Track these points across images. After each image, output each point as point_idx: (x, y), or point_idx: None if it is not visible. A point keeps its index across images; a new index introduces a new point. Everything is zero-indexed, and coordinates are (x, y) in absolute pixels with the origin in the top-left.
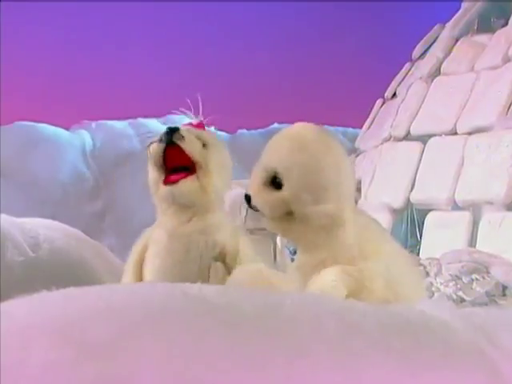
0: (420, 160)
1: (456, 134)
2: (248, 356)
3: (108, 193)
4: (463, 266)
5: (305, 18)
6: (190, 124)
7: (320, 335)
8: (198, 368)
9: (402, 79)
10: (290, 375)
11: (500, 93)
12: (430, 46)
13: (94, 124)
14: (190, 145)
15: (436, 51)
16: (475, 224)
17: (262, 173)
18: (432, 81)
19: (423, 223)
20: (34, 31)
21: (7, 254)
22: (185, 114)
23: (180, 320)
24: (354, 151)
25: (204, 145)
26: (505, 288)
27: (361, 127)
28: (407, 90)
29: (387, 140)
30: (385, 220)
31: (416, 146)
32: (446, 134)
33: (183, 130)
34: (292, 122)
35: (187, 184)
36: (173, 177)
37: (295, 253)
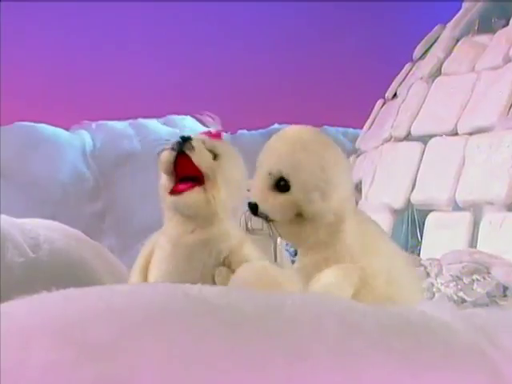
0: (421, 160)
1: (457, 134)
2: (248, 356)
3: (108, 193)
4: (464, 267)
5: (305, 19)
6: (209, 132)
7: (320, 336)
8: (198, 368)
9: (403, 79)
10: (291, 376)
11: (501, 93)
12: (431, 46)
13: (94, 124)
14: (199, 156)
15: (437, 51)
16: (476, 224)
17: (266, 178)
18: (433, 81)
19: (424, 224)
20: (34, 31)
21: (7, 255)
22: (203, 120)
23: (180, 320)
24: (354, 152)
25: (216, 156)
26: (505, 289)
27: (361, 128)
28: (408, 91)
29: (388, 140)
30: (385, 220)
31: (417, 146)
32: (447, 135)
33: (195, 140)
34: (292, 123)
35: (192, 196)
36: (180, 186)
37: (295, 254)
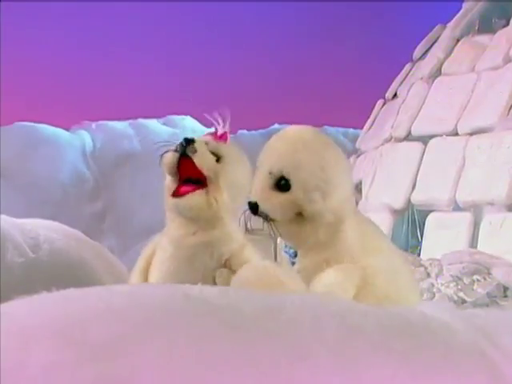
0: (421, 161)
1: (457, 134)
2: (248, 357)
3: (108, 193)
4: (464, 267)
5: (305, 19)
6: (215, 133)
7: (321, 337)
8: (198, 369)
9: (403, 80)
10: (291, 376)
11: (501, 93)
12: (431, 46)
13: (94, 124)
14: (201, 159)
15: (437, 52)
16: (476, 225)
17: (267, 177)
18: (433, 81)
19: (424, 224)
20: (34, 31)
21: (7, 255)
22: (208, 121)
23: (180, 321)
24: (354, 152)
25: (219, 159)
26: (506, 289)
27: (361, 128)
28: (408, 91)
29: (388, 141)
30: (386, 221)
31: (417, 146)
32: (447, 135)
33: (198, 143)
34: (293, 123)
35: (193, 198)
36: (183, 189)
37: (295, 256)
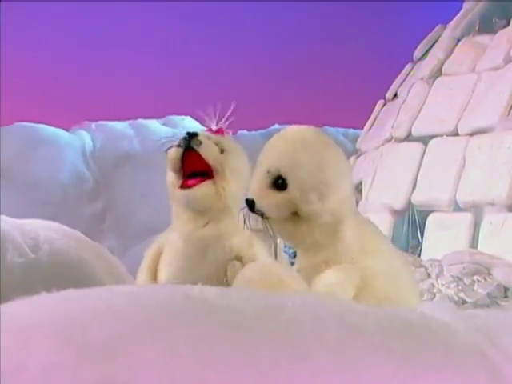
0: (421, 161)
1: (457, 135)
2: (249, 358)
3: (108, 194)
4: (465, 268)
5: (306, 19)
6: (210, 130)
7: (321, 337)
8: (198, 369)
9: (403, 80)
10: (291, 377)
11: (501, 94)
12: (432, 46)
13: (93, 125)
14: (207, 150)
15: (437, 52)
16: (477, 225)
17: (265, 175)
18: (433, 81)
19: (424, 224)
20: (34, 31)
21: (7, 256)
22: (203, 119)
23: (181, 321)
24: (355, 152)
25: (222, 151)
26: (506, 289)
27: (362, 128)
28: (408, 91)
29: (388, 141)
30: (386, 221)
31: (417, 146)
32: (448, 135)
33: (201, 136)
34: (293, 123)
35: (202, 189)
36: (190, 181)
37: (295, 256)
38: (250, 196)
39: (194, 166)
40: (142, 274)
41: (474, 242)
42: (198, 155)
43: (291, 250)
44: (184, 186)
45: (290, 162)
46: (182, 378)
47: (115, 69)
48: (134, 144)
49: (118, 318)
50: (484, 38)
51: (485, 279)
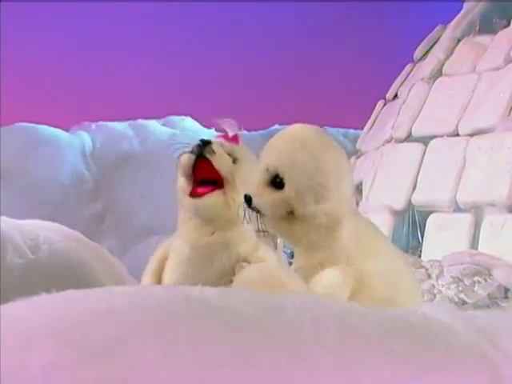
0: (421, 161)
1: (458, 135)
2: (249, 359)
3: (108, 194)
4: (465, 269)
5: (306, 20)
6: (226, 136)
7: (321, 338)
8: (198, 370)
9: (404, 80)
10: (291, 378)
11: (502, 94)
12: (432, 46)
13: (93, 125)
14: (219, 160)
15: (437, 52)
16: (477, 226)
17: (263, 173)
18: (433, 82)
19: (425, 225)
20: (34, 31)
21: (7, 257)
22: (219, 125)
23: (180, 322)
24: (355, 153)
25: (234, 160)
26: (507, 290)
27: (362, 128)
28: (409, 91)
29: (388, 141)
30: (386, 221)
31: (417, 147)
32: (448, 136)
33: (215, 144)
34: (293, 123)
35: (212, 199)
36: (200, 189)
37: (293, 256)
38: (248, 192)
39: (205, 174)
40: (147, 278)
41: (474, 243)
42: (210, 163)
43: (289, 250)
44: (194, 195)
45: (288, 162)
46: (182, 379)
47: (115, 69)
48: (133, 144)
49: (117, 319)
50: (484, 39)
51: (485, 280)
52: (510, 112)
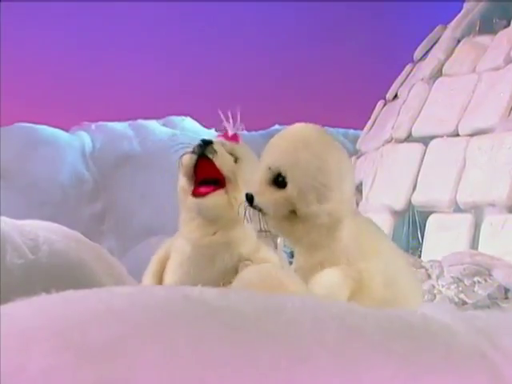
0: (421, 162)
1: (458, 135)
2: (248, 359)
3: (108, 195)
4: (465, 269)
5: (306, 20)
6: (225, 134)
7: (321, 338)
8: (198, 370)
9: (404, 80)
10: (291, 378)
11: (502, 94)
12: (432, 47)
13: (93, 125)
14: (221, 159)
15: (438, 52)
16: (477, 226)
17: (265, 172)
18: (434, 82)
19: (425, 225)
20: (34, 31)
21: (7, 257)
22: (220, 124)
23: (180, 322)
24: (355, 153)
25: (236, 159)
26: (507, 291)
27: (362, 129)
28: (409, 92)
29: (388, 141)
30: (386, 222)
31: (417, 147)
32: (448, 136)
33: (216, 144)
34: (293, 123)
35: (215, 198)
36: (202, 189)
37: (293, 256)
38: (250, 191)
39: (206, 174)
40: (148, 279)
41: (474, 243)
42: (211, 163)
43: (289, 250)
44: (196, 194)
45: (290, 161)
46: (182, 379)
47: (115, 69)
48: (133, 145)
49: (117, 319)
50: (484, 39)
51: (485, 280)
52: (510, 112)
